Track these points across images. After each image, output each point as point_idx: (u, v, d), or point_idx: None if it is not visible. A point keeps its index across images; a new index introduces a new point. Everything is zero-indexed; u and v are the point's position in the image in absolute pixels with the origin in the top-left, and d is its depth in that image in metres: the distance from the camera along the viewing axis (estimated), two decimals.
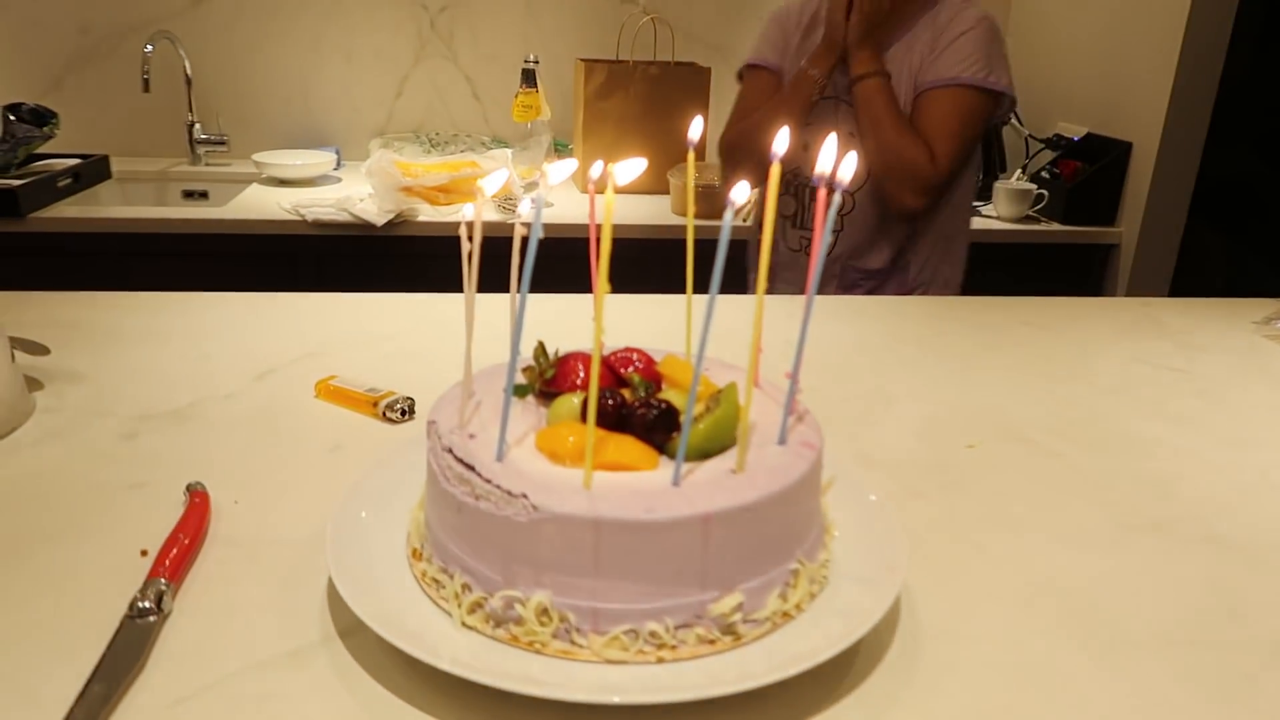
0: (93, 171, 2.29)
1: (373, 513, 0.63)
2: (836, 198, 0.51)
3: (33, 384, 0.85)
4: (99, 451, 0.75)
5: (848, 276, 1.61)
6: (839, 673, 0.54)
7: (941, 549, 0.67)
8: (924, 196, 1.50)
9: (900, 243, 1.56)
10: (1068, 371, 1.02)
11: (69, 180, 2.15)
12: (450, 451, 0.55)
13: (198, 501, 0.66)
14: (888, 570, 0.58)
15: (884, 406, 0.91)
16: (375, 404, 0.83)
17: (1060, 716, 0.52)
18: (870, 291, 1.61)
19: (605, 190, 0.48)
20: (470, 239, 0.57)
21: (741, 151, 1.63)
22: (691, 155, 0.64)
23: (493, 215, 2.06)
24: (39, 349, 0.87)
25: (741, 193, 0.51)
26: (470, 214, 0.58)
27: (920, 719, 0.51)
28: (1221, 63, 2.26)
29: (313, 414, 0.84)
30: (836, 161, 0.54)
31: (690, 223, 0.63)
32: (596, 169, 0.59)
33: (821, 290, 1.39)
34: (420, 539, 0.59)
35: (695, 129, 0.64)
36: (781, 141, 0.55)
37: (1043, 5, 2.73)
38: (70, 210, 2.05)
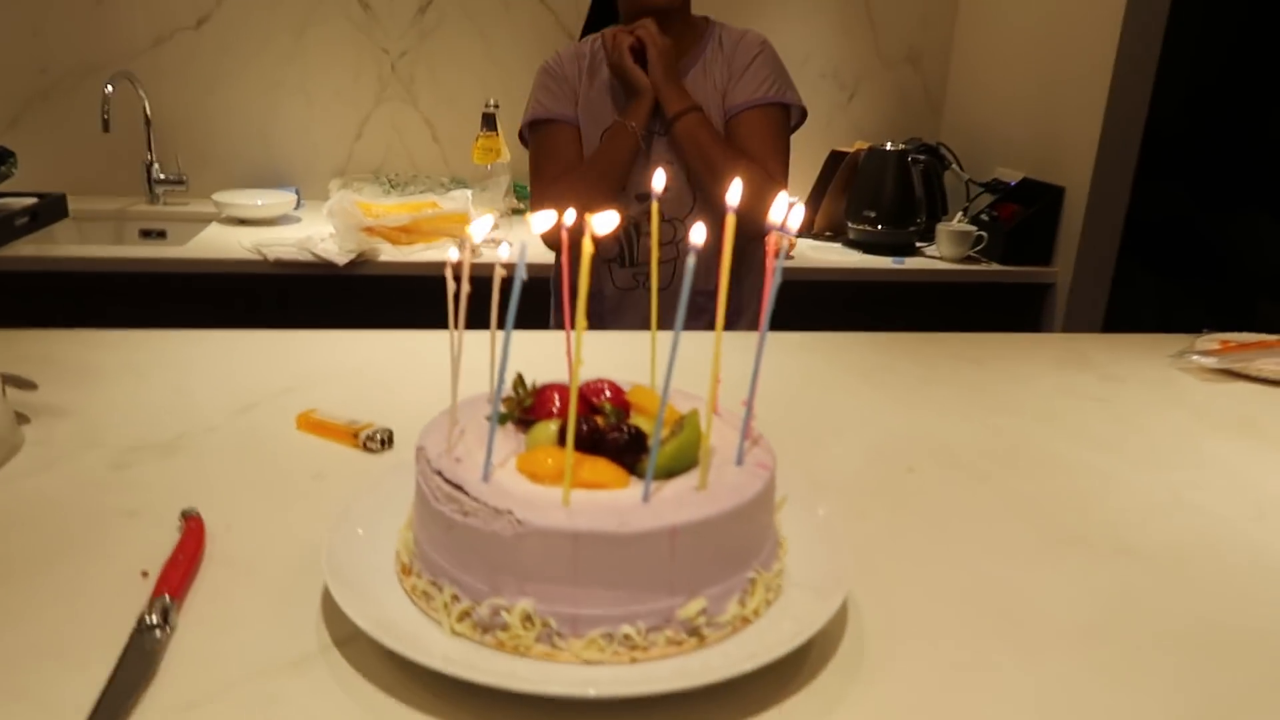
0: (50, 210, 2.30)
1: (363, 533, 0.68)
2: (699, 235, 0.58)
3: (20, 419, 0.89)
4: (91, 481, 0.79)
5: (695, 302, 1.63)
6: (792, 670, 0.60)
7: (884, 561, 0.73)
8: (767, 212, 1.56)
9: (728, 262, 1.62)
10: (1000, 402, 1.10)
11: (25, 219, 2.16)
12: (440, 474, 0.60)
13: (194, 525, 0.71)
14: (835, 579, 0.64)
15: (832, 434, 0.98)
16: (355, 434, 0.88)
17: (989, 706, 0.58)
18: (711, 314, 1.63)
19: (584, 240, 0.54)
20: (457, 279, 0.63)
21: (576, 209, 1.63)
22: (656, 205, 0.70)
23: (454, 254, 2.12)
24: (27, 384, 0.91)
25: (609, 222, 0.58)
26: (456, 255, 0.63)
27: (866, 711, 0.57)
28: (1145, 111, 2.40)
29: (295, 445, 0.88)
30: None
31: (655, 266, 0.69)
32: (570, 218, 0.65)
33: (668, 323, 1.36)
34: (409, 555, 0.64)
35: (659, 180, 0.71)
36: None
37: (980, 59, 2.87)
38: (26, 249, 2.07)
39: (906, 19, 2.90)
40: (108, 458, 0.83)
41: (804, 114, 1.66)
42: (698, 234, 0.57)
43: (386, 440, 0.88)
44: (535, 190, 1.63)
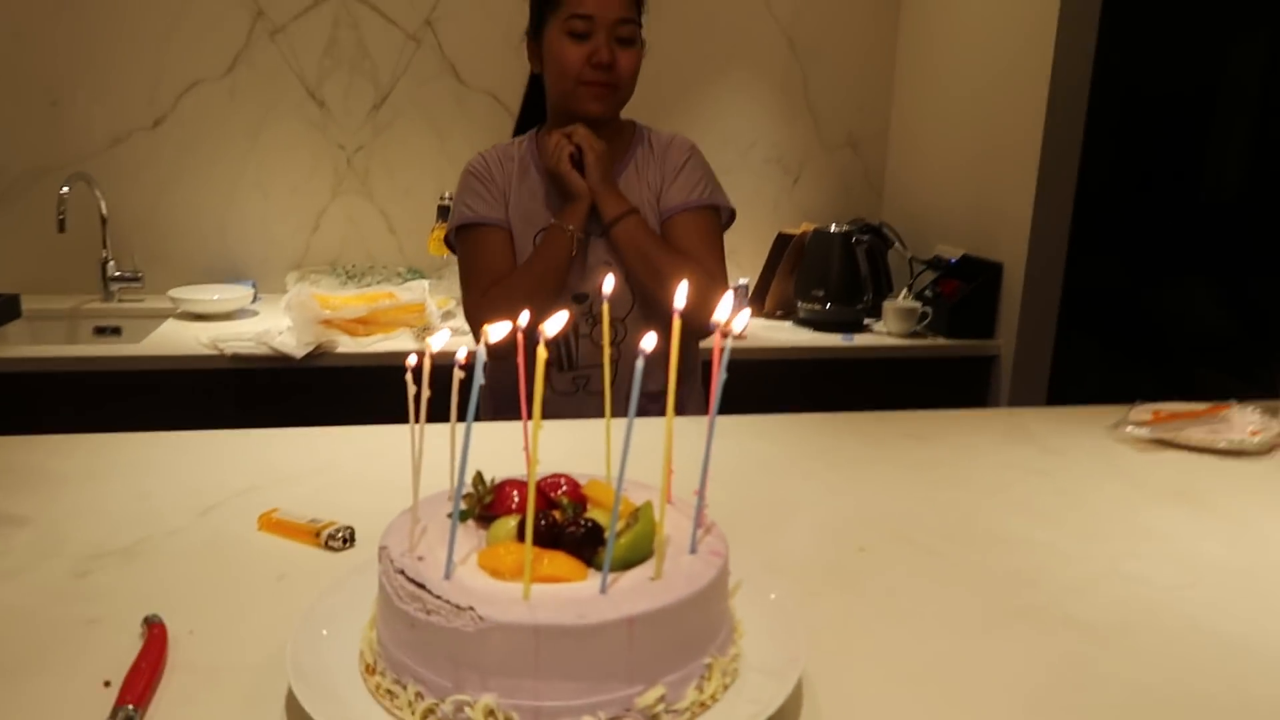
0: (1, 310, 2.29)
1: (327, 633, 0.69)
2: (649, 343, 0.61)
3: None
4: (52, 590, 0.79)
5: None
6: None
7: (837, 640, 0.75)
8: (712, 312, 1.54)
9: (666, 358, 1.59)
10: (946, 478, 1.14)
11: None
12: (402, 573, 0.62)
13: (156, 633, 0.71)
14: (789, 661, 0.66)
15: (785, 516, 1.01)
16: (317, 534, 0.89)
17: None
18: (658, 412, 1.59)
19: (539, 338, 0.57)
20: (416, 383, 0.65)
21: (511, 315, 1.54)
22: (606, 307, 0.74)
23: (411, 344, 2.14)
24: None
25: (558, 323, 0.61)
26: (414, 360, 0.66)
27: None
28: (1074, 187, 2.51)
29: (258, 546, 0.89)
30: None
31: (607, 364, 0.73)
32: (524, 319, 0.69)
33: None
34: (373, 655, 0.65)
35: (608, 284, 0.74)
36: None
37: (916, 142, 3.00)
38: None
39: (844, 105, 3.03)
40: (68, 566, 0.83)
41: (733, 215, 1.67)
42: (648, 342, 0.61)
43: (349, 538, 0.89)
44: (470, 298, 1.57)
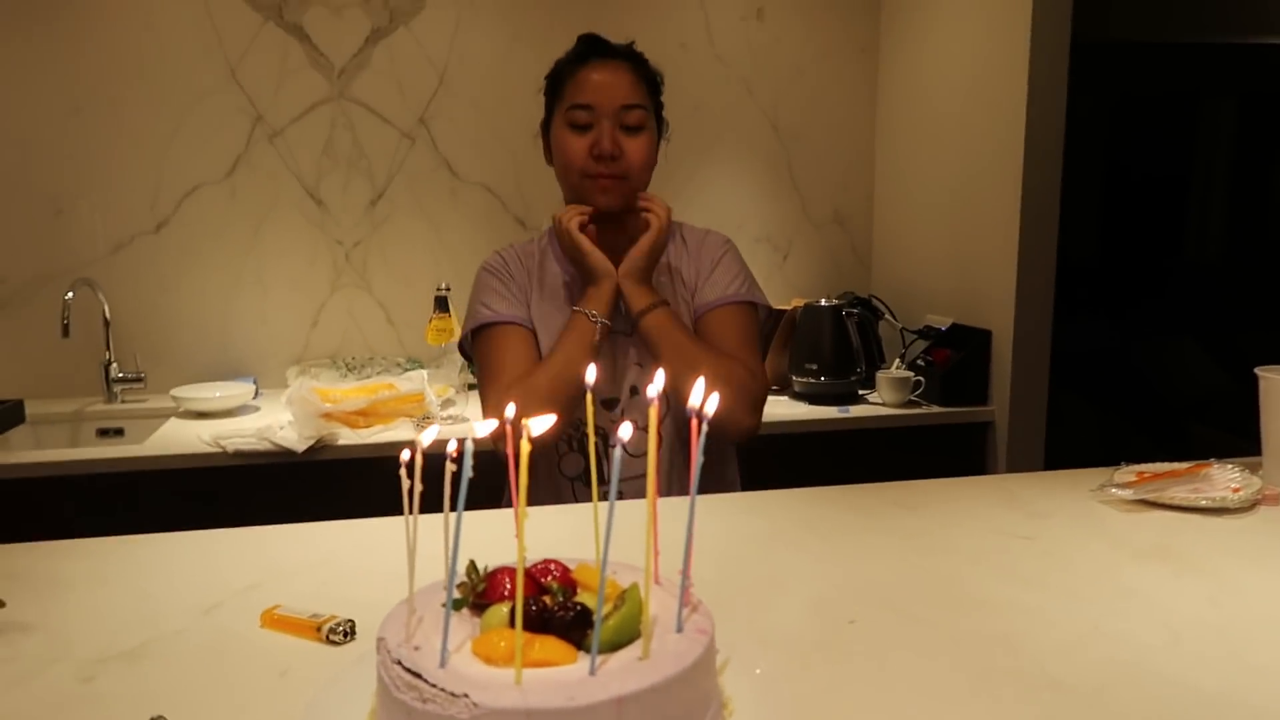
0: (6, 416, 2.33)
1: None
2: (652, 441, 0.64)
3: None
4: (59, 696, 0.81)
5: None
6: None
7: (826, 712, 0.77)
8: (758, 411, 1.46)
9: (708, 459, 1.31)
10: (933, 545, 1.16)
11: None
12: (399, 663, 0.64)
13: None
14: None
15: (775, 589, 1.03)
16: (318, 629, 0.91)
17: None
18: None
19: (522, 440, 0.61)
20: (410, 477, 0.68)
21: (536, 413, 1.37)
22: (590, 395, 0.78)
23: (411, 433, 2.17)
24: None
25: (544, 424, 0.64)
26: (407, 456, 0.70)
27: None
28: (1055, 252, 2.57)
29: (260, 643, 0.91)
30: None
31: (651, 473, 0.76)
32: (510, 411, 0.72)
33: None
34: None
35: (590, 374, 0.78)
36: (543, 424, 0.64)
37: (900, 215, 3.08)
38: None
39: (827, 183, 3.12)
40: (74, 670, 0.85)
41: (770, 312, 1.59)
42: (625, 430, 0.64)
43: (349, 631, 0.91)
44: (490, 400, 1.45)
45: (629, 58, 1.49)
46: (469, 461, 0.63)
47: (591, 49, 1.48)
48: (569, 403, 1.37)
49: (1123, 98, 3.54)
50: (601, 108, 1.43)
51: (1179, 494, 1.27)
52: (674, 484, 1.48)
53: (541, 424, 0.65)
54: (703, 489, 1.44)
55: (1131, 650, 0.88)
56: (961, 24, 2.69)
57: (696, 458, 0.68)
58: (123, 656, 0.88)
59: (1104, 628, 0.92)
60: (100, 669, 0.86)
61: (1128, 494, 1.29)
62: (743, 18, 2.96)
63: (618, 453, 0.61)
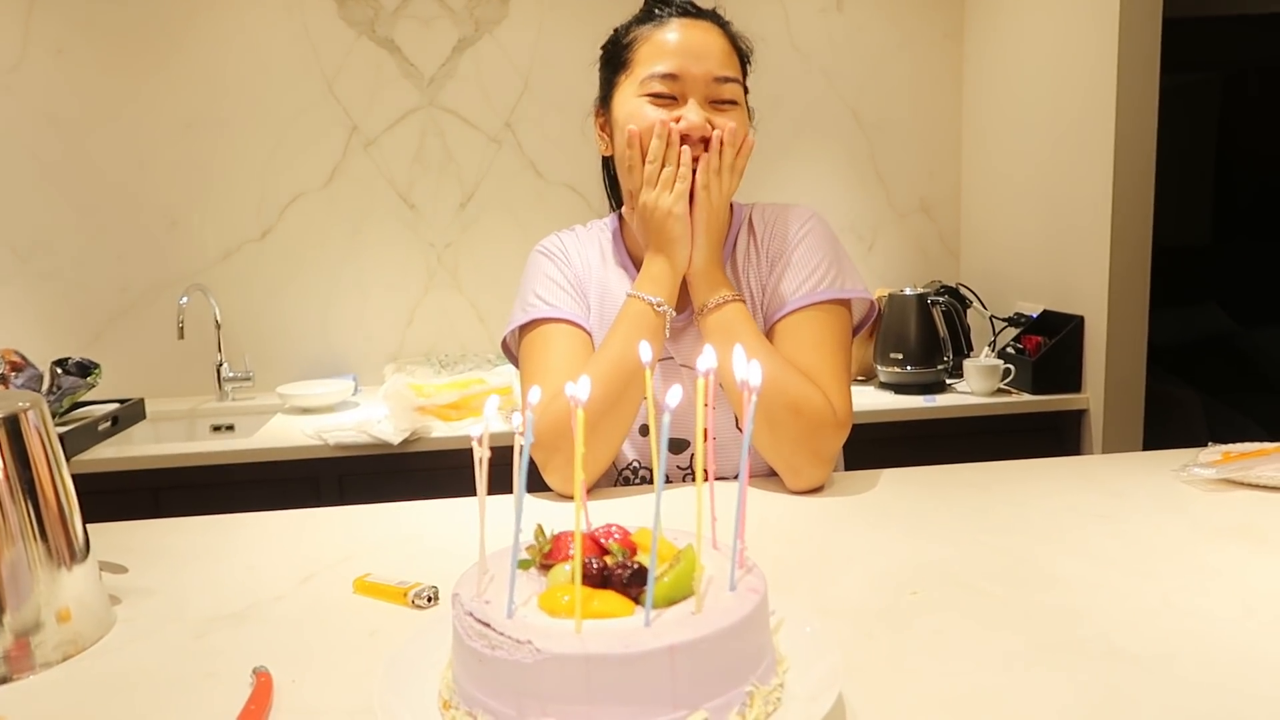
0: (129, 414, 2.50)
1: (409, 676, 0.76)
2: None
3: (113, 599, 1.00)
4: (176, 649, 0.89)
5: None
6: None
7: (883, 676, 0.80)
8: (827, 461, 1.19)
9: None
10: (1004, 524, 1.16)
11: (108, 424, 2.35)
12: (471, 614, 0.69)
13: (263, 681, 0.80)
14: (826, 684, 0.71)
15: (840, 564, 1.05)
16: (405, 594, 0.97)
17: None
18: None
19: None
20: (481, 444, 0.74)
21: (600, 415, 1.17)
22: (648, 371, 0.82)
23: (499, 426, 2.25)
24: (119, 569, 1.03)
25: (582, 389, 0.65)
26: (477, 432, 0.75)
27: None
28: (1150, 235, 2.50)
29: (352, 606, 0.98)
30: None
31: (654, 437, 0.80)
32: (570, 389, 0.77)
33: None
34: (449, 692, 0.72)
35: (644, 352, 0.82)
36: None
37: (988, 202, 3.03)
38: (107, 451, 2.24)
39: (913, 173, 3.09)
40: (189, 629, 0.94)
41: (872, 308, 1.28)
42: (673, 396, 0.67)
43: (433, 597, 0.97)
44: (537, 404, 1.05)
45: (720, 22, 1.24)
46: (530, 431, 0.67)
47: (672, 6, 1.20)
48: (617, 408, 1.17)
49: (1238, 73, 3.39)
50: (690, 77, 1.15)
51: (1265, 473, 1.23)
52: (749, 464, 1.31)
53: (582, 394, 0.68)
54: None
55: (1201, 622, 0.87)
56: (1048, 3, 2.64)
57: (747, 427, 0.71)
58: (230, 617, 0.96)
59: (1174, 601, 0.92)
60: (210, 627, 0.94)
61: (1211, 473, 1.26)
62: (822, 10, 2.96)
63: (665, 418, 0.65)
